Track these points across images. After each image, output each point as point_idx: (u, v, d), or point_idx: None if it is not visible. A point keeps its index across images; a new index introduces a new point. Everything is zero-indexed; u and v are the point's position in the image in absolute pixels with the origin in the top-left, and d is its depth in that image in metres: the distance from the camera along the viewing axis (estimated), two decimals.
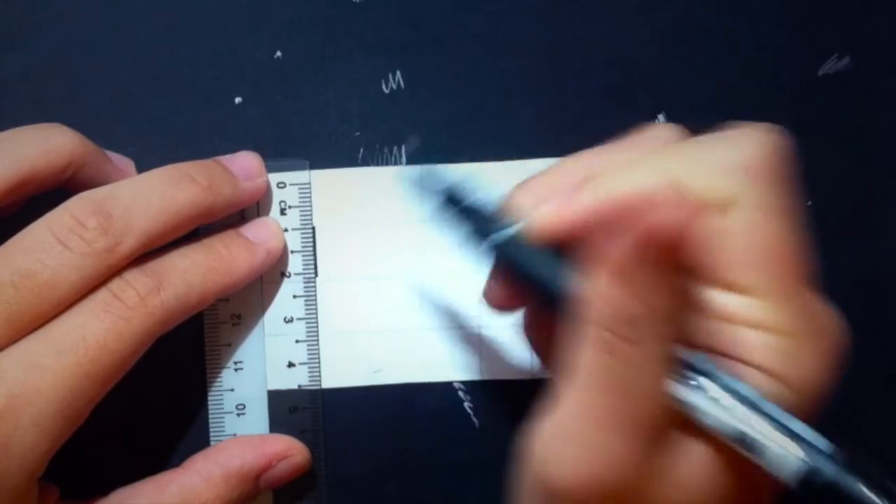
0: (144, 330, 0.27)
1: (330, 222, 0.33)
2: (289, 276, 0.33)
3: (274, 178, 0.32)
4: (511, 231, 0.26)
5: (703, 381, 0.23)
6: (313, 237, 0.33)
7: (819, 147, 0.34)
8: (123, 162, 0.31)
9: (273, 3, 0.32)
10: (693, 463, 0.23)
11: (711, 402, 0.23)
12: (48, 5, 0.32)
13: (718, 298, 0.24)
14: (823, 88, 0.34)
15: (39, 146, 0.28)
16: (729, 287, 0.24)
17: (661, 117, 0.33)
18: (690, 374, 0.23)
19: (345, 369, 0.33)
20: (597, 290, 0.23)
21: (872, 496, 0.20)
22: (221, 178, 0.30)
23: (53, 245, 0.26)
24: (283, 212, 0.33)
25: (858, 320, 0.34)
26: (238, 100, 0.33)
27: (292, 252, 0.33)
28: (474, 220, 0.26)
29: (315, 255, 0.33)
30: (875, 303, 0.35)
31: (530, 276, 0.26)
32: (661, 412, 0.23)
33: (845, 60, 0.34)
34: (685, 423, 0.24)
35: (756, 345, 0.23)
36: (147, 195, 0.28)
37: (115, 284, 0.27)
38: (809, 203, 0.34)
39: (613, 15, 0.33)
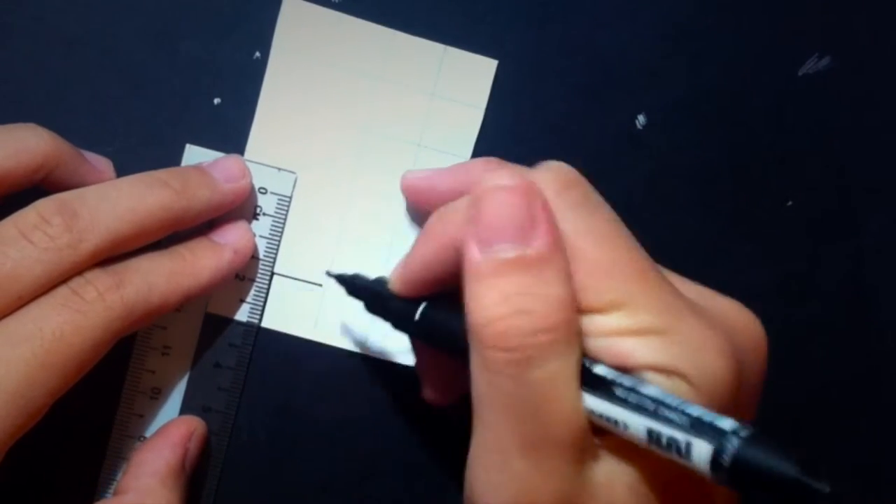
0: (104, 324, 0.27)
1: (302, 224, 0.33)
2: (241, 279, 0.32)
3: (257, 181, 0.32)
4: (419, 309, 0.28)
5: (611, 389, 0.23)
6: (277, 250, 0.33)
7: (799, 147, 0.34)
8: (101, 162, 0.31)
9: (252, 3, 0.32)
10: (618, 476, 0.23)
11: (619, 407, 0.23)
12: (27, 6, 0.32)
13: (591, 322, 0.24)
14: (804, 88, 0.34)
15: (10, 147, 0.28)
16: (595, 311, 0.24)
17: (641, 118, 0.33)
18: (596, 384, 0.23)
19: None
20: (482, 312, 0.23)
21: (779, 463, 0.20)
22: (197, 181, 0.30)
23: (17, 239, 0.27)
24: (255, 216, 0.32)
25: (840, 320, 0.35)
26: (217, 100, 0.32)
27: (252, 257, 0.32)
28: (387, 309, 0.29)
29: (273, 266, 0.33)
30: (857, 302, 0.35)
31: (450, 336, 0.26)
32: (578, 429, 0.23)
33: (825, 60, 0.34)
34: (606, 438, 0.24)
35: (641, 348, 0.23)
36: (115, 196, 0.28)
37: (75, 282, 0.27)
38: (790, 203, 0.34)
39: (594, 16, 0.33)
